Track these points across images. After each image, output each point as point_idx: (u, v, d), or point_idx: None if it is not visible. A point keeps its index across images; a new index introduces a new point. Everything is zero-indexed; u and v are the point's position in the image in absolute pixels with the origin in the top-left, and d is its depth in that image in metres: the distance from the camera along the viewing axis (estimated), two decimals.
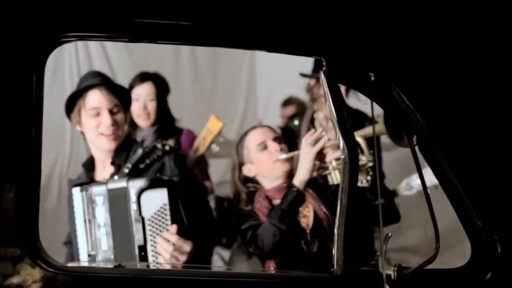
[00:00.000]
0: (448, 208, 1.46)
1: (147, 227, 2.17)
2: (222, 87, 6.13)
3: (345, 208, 1.36)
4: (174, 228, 2.12)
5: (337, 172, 2.40)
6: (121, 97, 2.50)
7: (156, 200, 2.19)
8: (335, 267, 1.37)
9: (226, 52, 5.99)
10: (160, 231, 2.16)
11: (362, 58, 1.36)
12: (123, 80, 5.55)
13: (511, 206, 1.37)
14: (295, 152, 2.48)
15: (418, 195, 2.97)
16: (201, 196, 2.55)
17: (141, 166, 2.41)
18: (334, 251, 1.38)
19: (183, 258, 2.08)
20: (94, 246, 2.24)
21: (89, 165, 2.57)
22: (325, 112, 3.37)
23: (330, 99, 1.35)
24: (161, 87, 3.41)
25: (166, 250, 2.08)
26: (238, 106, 6.21)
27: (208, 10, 1.34)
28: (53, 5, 1.34)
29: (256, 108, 6.29)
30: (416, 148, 1.41)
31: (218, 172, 5.43)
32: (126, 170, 2.37)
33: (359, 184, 2.28)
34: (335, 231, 1.37)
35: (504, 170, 1.39)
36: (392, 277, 1.30)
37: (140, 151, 2.43)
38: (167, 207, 2.18)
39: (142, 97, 3.31)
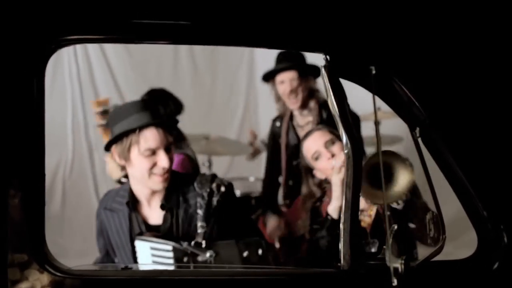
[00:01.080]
0: (450, 198, 1.46)
1: None
2: (221, 85, 6.12)
3: (350, 203, 1.36)
4: None
5: None
6: (174, 133, 2.37)
7: None
8: (342, 262, 1.37)
9: (224, 50, 5.98)
10: None
11: (363, 52, 1.35)
12: (123, 82, 5.57)
13: None
14: None
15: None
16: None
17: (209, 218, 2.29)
18: (341, 246, 1.38)
19: None
20: None
21: (134, 202, 2.37)
22: (299, 108, 3.40)
23: (331, 94, 1.35)
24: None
25: None
26: (238, 104, 6.20)
27: (207, 8, 1.34)
28: (50, 8, 1.34)
29: (257, 105, 6.28)
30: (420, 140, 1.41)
31: (220, 170, 5.44)
32: (201, 230, 2.24)
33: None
34: (341, 226, 1.37)
35: (508, 160, 1.39)
36: (400, 269, 1.30)
37: (203, 206, 2.27)
38: None
39: None
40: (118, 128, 2.28)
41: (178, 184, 2.35)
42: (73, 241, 4.76)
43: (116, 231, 2.40)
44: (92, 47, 5.40)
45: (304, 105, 3.40)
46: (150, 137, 2.22)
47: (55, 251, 1.51)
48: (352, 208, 1.36)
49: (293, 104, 3.40)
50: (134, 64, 5.60)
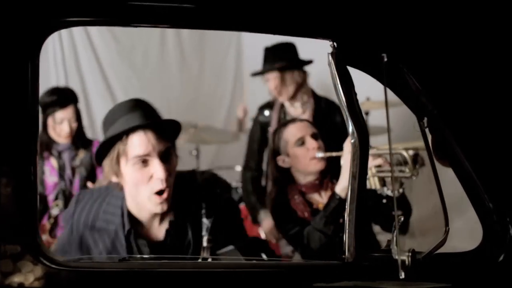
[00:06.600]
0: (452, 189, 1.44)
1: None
2: (209, 72, 6.05)
3: (355, 194, 1.33)
4: None
5: (376, 178, 2.38)
6: (173, 135, 1.93)
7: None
8: (346, 254, 1.34)
9: (212, 37, 5.91)
10: None
11: (372, 39, 1.32)
12: (109, 67, 5.46)
13: None
14: (333, 153, 2.53)
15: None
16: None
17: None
18: (345, 238, 1.35)
19: None
20: None
21: (135, 227, 1.97)
22: (290, 101, 3.53)
23: (338, 82, 1.31)
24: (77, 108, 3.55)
25: None
26: (225, 92, 6.14)
27: None
28: None
29: (243, 93, 6.23)
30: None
31: (207, 158, 5.39)
32: (207, 244, 1.88)
33: (389, 193, 2.32)
34: (346, 217, 1.35)
35: None
36: (407, 262, 1.27)
37: (209, 215, 1.94)
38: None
39: (67, 120, 3.43)
40: (105, 136, 1.91)
41: (181, 186, 1.98)
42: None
43: (108, 253, 1.96)
44: (77, 33, 5.28)
45: (293, 97, 3.52)
46: (137, 142, 1.81)
47: None
48: (358, 199, 1.33)
49: (281, 98, 3.56)
50: (120, 50, 5.49)
